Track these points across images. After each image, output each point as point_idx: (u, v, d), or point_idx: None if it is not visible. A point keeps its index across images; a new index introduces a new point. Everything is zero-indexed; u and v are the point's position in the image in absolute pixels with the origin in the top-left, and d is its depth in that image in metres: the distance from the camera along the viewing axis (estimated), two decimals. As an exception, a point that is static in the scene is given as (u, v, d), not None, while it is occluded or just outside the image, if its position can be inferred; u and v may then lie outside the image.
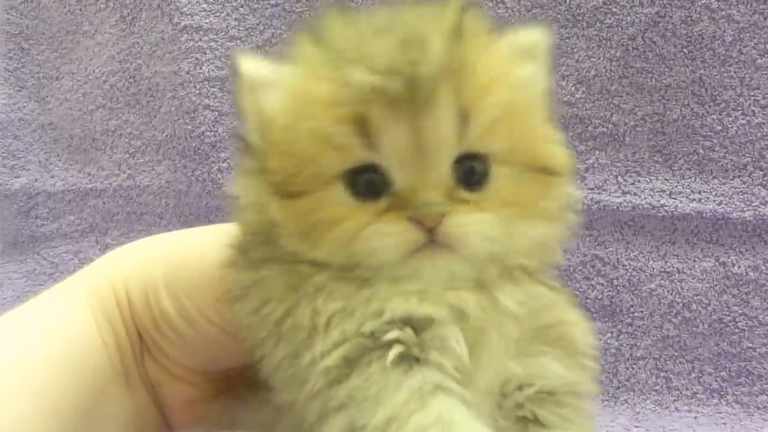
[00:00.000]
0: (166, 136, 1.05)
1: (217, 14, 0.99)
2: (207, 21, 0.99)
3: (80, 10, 1.12)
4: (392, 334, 0.39)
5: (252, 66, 0.43)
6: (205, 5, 0.99)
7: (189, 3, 0.99)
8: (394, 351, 0.38)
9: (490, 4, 0.91)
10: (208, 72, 0.99)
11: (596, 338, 0.44)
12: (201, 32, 0.99)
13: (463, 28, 0.40)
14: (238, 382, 0.52)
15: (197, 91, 0.99)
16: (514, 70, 0.42)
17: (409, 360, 0.39)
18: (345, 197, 0.40)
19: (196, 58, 0.99)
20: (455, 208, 0.39)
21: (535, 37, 0.44)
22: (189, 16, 0.99)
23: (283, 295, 0.41)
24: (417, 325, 0.39)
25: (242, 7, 0.99)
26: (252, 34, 0.98)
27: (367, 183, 0.40)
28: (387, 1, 0.43)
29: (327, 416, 0.39)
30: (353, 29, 0.41)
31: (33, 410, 0.45)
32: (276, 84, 0.42)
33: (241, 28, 0.99)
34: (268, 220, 0.42)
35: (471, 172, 0.40)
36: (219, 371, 0.53)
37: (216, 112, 0.99)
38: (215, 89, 0.99)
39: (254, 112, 0.43)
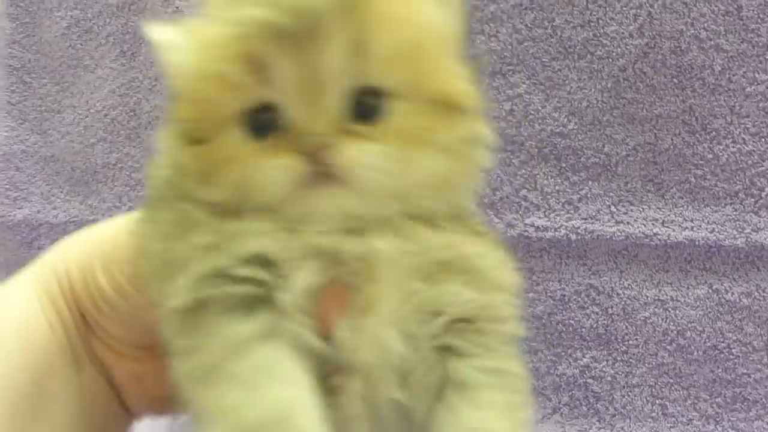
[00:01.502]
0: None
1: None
2: (205, 56, 1.01)
3: (82, 45, 1.13)
4: (241, 271, 0.39)
5: (159, 30, 0.43)
6: (203, 41, 1.01)
7: (188, 38, 1.01)
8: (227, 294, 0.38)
9: (483, 38, 0.92)
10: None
11: (515, 275, 0.44)
12: (200, 67, 1.01)
13: None
14: None
15: (196, 125, 1.01)
16: (418, 6, 0.41)
17: (250, 305, 0.39)
18: (242, 138, 0.39)
19: (195, 93, 1.00)
20: (345, 140, 0.38)
21: None
22: (188, 52, 1.01)
23: (169, 234, 0.41)
24: (272, 263, 0.39)
25: (240, 42, 1.01)
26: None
27: (261, 122, 0.39)
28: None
29: (172, 360, 0.40)
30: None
31: None
32: (181, 35, 0.42)
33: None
34: (175, 167, 0.42)
35: (365, 105, 0.39)
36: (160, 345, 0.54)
37: (214, 146, 1.00)
38: (214, 123, 1.00)
39: (167, 66, 0.43)
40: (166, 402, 0.54)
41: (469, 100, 0.42)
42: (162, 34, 0.43)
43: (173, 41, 0.42)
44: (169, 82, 0.43)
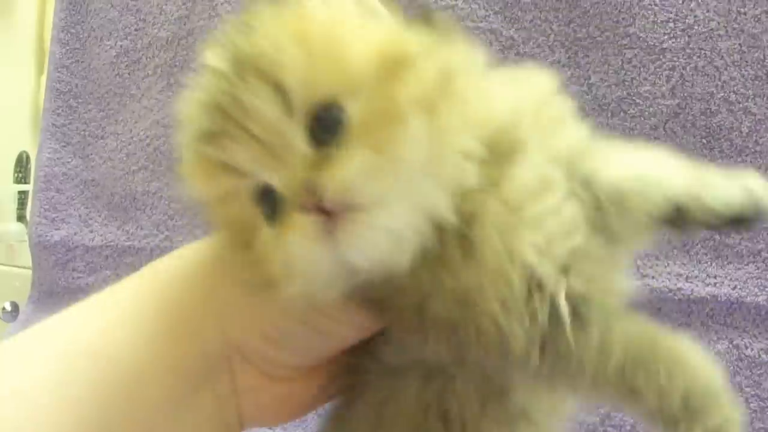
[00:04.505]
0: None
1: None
2: (249, 94, 1.03)
3: (129, 74, 1.16)
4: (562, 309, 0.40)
5: None
6: (248, 79, 1.04)
7: (233, 76, 1.04)
8: None
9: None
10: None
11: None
12: (244, 104, 1.03)
13: (246, 20, 0.40)
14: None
15: (237, 160, 1.03)
16: (313, 12, 0.40)
17: None
18: (267, 228, 0.39)
19: (238, 129, 1.03)
20: (326, 170, 0.36)
21: None
22: (233, 89, 1.04)
23: None
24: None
25: (284, 82, 1.04)
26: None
27: (267, 204, 0.39)
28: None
29: None
30: (185, 105, 0.43)
31: None
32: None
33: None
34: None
35: (325, 126, 0.37)
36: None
37: (255, 181, 1.02)
38: (255, 159, 1.03)
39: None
40: (297, 414, 0.53)
41: (411, 45, 0.39)
42: None
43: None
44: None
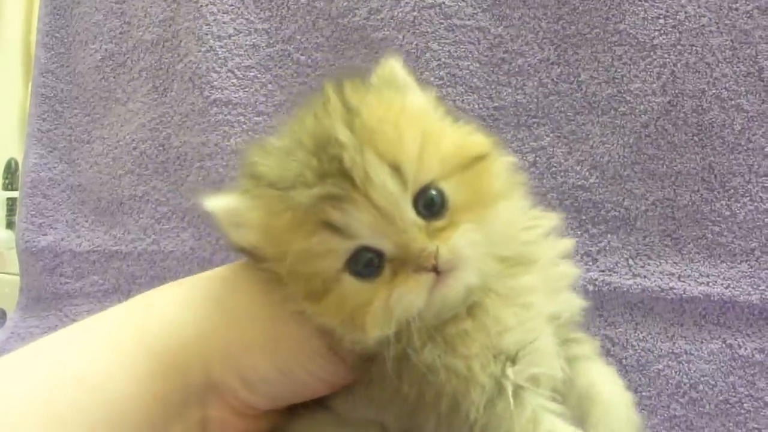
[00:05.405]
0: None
1: (246, 89, 1.03)
2: (236, 96, 1.03)
3: (114, 78, 1.16)
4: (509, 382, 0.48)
5: (217, 204, 0.50)
6: (235, 80, 1.03)
7: (219, 77, 1.03)
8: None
9: (509, 90, 0.95)
10: (236, 145, 1.02)
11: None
12: (230, 106, 1.03)
13: (348, 102, 0.47)
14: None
15: (224, 163, 1.02)
16: (401, 104, 0.49)
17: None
18: (357, 283, 0.46)
19: (225, 131, 1.02)
20: (439, 239, 0.45)
21: (387, 69, 0.51)
22: (219, 90, 1.03)
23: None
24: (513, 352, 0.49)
25: (270, 83, 1.03)
26: (279, 110, 1.02)
27: (366, 265, 0.46)
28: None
29: None
30: (273, 158, 0.48)
31: None
32: (240, 222, 0.49)
33: (268, 104, 1.03)
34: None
35: (430, 204, 0.46)
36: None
37: (242, 184, 1.01)
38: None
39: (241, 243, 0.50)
40: None
41: (487, 145, 0.51)
42: (219, 207, 0.50)
43: (233, 219, 0.49)
44: (242, 251, 0.51)
